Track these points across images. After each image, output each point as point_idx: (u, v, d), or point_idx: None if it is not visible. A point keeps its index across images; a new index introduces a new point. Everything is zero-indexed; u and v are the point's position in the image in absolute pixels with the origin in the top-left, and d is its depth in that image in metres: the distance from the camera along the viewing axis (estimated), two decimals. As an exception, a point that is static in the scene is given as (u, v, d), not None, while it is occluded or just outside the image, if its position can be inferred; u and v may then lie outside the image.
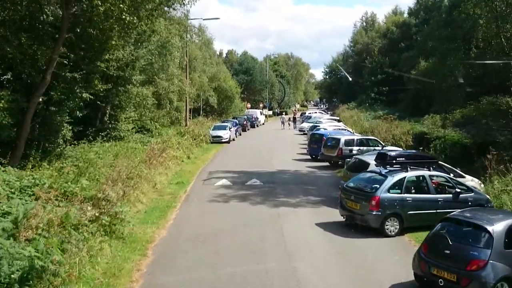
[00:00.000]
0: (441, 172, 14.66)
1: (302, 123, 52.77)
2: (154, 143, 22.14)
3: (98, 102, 23.69)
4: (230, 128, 38.85)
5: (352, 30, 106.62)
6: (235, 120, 46.53)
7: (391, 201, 12.50)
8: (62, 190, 12.84)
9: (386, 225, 12.45)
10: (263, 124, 63.43)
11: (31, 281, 7.87)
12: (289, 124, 56.55)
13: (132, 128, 25.84)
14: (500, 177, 15.62)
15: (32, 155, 16.51)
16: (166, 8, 21.38)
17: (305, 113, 67.15)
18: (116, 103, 24.61)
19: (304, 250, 11.31)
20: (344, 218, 13.45)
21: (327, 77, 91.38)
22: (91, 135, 23.31)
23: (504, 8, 19.48)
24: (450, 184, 13.59)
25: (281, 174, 22.26)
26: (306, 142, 37.05)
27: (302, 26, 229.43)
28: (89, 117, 24.68)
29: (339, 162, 23.91)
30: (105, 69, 23.42)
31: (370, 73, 65.01)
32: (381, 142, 25.29)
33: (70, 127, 20.38)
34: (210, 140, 35.72)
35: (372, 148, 24.34)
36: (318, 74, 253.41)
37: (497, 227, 8.48)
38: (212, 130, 38.25)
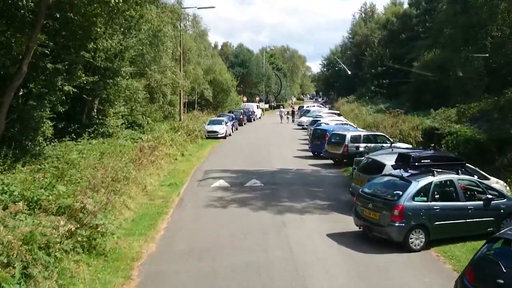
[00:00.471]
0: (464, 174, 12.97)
1: (300, 117, 51.06)
2: (145, 140, 20.31)
3: (84, 95, 21.93)
4: (226, 123, 37.06)
5: (350, 22, 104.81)
6: (231, 114, 44.69)
7: (417, 211, 10.80)
8: (34, 199, 11.10)
9: (411, 238, 10.76)
10: (259, 118, 61.63)
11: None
12: (287, 118, 54.90)
13: (122, 124, 24.01)
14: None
15: (9, 156, 14.74)
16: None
17: (303, 106, 65.35)
18: (104, 97, 22.75)
19: (318, 270, 9.58)
20: (359, 228, 11.75)
21: (325, 69, 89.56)
22: (77, 132, 21.60)
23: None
24: (480, 189, 11.91)
25: (282, 174, 20.53)
26: (306, 137, 35.42)
27: (296, 19, 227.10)
28: (74, 112, 22.89)
29: (344, 160, 22.33)
30: (91, 60, 21.67)
31: (369, 66, 63.26)
32: (389, 138, 23.61)
33: (52, 124, 18.56)
34: (205, 135, 33.94)
35: (380, 145, 22.70)
36: (314, 67, 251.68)
37: None
38: (208, 125, 36.47)
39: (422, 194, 11.04)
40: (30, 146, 16.50)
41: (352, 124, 33.15)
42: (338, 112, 47.14)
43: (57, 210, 10.95)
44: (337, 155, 22.56)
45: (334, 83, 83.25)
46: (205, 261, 10.13)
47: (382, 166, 14.05)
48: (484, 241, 7.89)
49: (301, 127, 44.98)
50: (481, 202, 11.48)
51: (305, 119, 44.91)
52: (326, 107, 68.55)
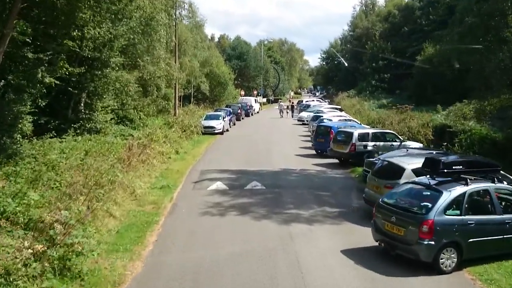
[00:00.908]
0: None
1: (300, 112, 49.41)
2: (134, 138, 18.58)
3: (69, 88, 20.24)
4: (223, 118, 35.38)
5: (351, 14, 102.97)
6: (229, 109, 43.00)
7: (449, 226, 9.21)
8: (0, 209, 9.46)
9: (441, 259, 9.17)
10: (257, 112, 59.95)
11: None
12: (287, 112, 53.30)
13: (111, 119, 22.27)
14: None
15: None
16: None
17: (302, 101, 63.65)
18: (91, 90, 21.01)
19: (336, 300, 8.00)
20: (379, 244, 10.14)
21: (324, 63, 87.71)
22: (61, 128, 19.97)
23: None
24: (517, 199, 10.34)
25: (285, 175, 18.90)
26: (308, 133, 33.85)
27: (293, 12, 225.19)
28: (59, 106, 21.20)
29: (351, 160, 20.76)
30: (77, 49, 19.98)
31: (370, 59, 61.55)
32: (399, 136, 22.00)
33: (32, 119, 16.85)
34: (201, 131, 32.27)
35: (389, 143, 21.14)
36: (311, 61, 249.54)
37: None
38: (204, 120, 34.78)
39: (454, 206, 9.45)
40: (6, 145, 14.78)
41: (356, 120, 31.50)
42: (339, 107, 45.47)
43: (26, 224, 9.34)
44: (343, 154, 20.95)
45: (334, 77, 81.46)
46: None
47: (400, 170, 12.42)
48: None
49: (301, 123, 43.36)
50: (521, 215, 9.90)
51: (305, 114, 43.30)
52: (325, 101, 66.85)
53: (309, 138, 31.19)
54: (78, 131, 20.08)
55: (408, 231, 9.32)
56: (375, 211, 10.34)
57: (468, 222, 9.33)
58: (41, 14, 16.59)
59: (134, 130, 23.88)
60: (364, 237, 10.99)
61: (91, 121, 21.13)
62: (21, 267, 7.48)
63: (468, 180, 9.74)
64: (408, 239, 9.31)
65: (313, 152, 25.13)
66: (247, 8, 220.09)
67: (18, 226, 9.22)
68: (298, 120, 44.79)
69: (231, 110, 42.95)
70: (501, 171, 12.38)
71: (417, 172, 12.16)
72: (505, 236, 9.70)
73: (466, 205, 9.43)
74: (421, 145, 22.32)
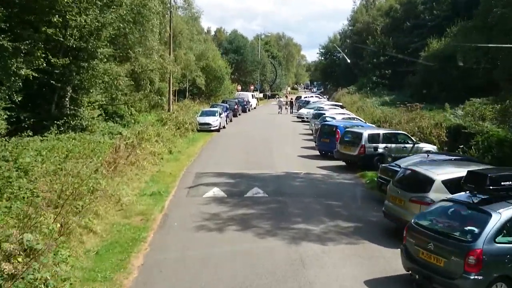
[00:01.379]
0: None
1: (299, 108, 47.69)
2: (123, 137, 16.71)
3: (52, 81, 18.42)
4: (220, 114, 33.55)
5: (351, 9, 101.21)
6: (225, 105, 41.16)
7: (500, 257, 7.51)
8: None
9: (492, 297, 7.49)
10: (254, 108, 58.21)
11: None
12: (286, 108, 51.65)
13: (99, 116, 20.42)
14: None
15: None
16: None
17: (300, 97, 61.86)
18: (76, 83, 19.14)
19: None
20: (411, 275, 8.42)
21: (322, 58, 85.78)
22: (44, 125, 18.22)
23: None
24: None
25: (289, 180, 17.16)
26: (309, 131, 32.14)
27: (289, 7, 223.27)
28: (43, 100, 19.39)
29: (359, 163, 19.07)
30: (60, 38, 18.18)
31: (371, 55, 59.72)
32: (411, 138, 20.31)
33: (7, 115, 15.05)
34: (197, 128, 30.47)
35: (401, 145, 19.48)
36: (307, 56, 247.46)
37: None
38: (200, 116, 32.97)
39: (505, 232, 7.74)
40: (-27, 146, 12.97)
41: (360, 118, 29.79)
42: (340, 104, 43.73)
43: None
44: (351, 156, 19.24)
45: (332, 73, 79.62)
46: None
47: (428, 181, 10.70)
48: None
49: (300, 120, 41.65)
50: None
51: (305, 111, 41.59)
52: (324, 98, 65.08)
53: (310, 137, 29.49)
54: (62, 128, 18.32)
55: (450, 262, 7.61)
56: (406, 234, 8.61)
57: (523, 251, 7.64)
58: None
59: (124, 128, 22.07)
60: (389, 262, 9.36)
61: (76, 118, 19.32)
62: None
63: (520, 199, 8.04)
64: (450, 272, 7.60)
65: (316, 152, 23.41)
66: (243, 3, 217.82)
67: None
68: (297, 117, 43.03)
69: (228, 106, 41.13)
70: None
71: (447, 183, 10.52)
72: None
73: (520, 231, 7.74)
74: (434, 147, 20.65)
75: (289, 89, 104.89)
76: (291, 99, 57.49)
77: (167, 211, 12.92)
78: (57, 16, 15.89)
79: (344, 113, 32.03)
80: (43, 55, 15.14)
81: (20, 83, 14.80)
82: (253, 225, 11.72)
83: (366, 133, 19.03)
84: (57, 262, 8.07)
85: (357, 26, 69.22)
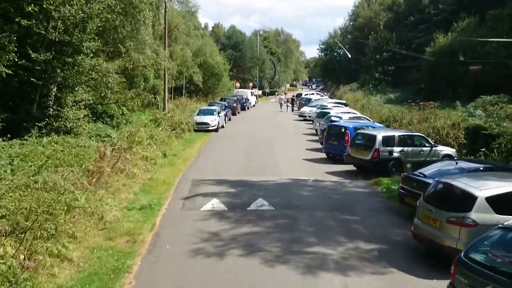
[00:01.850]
0: None
1: (301, 106, 45.89)
2: (111, 141, 14.81)
3: (33, 79, 16.61)
4: (218, 113, 31.74)
5: (352, 3, 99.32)
6: (224, 103, 39.35)
7: None
8: None
9: None
10: (253, 106, 56.39)
11: None
12: (287, 106, 49.97)
13: (85, 116, 18.57)
14: None
15: None
16: None
17: (300, 94, 60.00)
18: (59, 80, 17.29)
19: None
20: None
21: (322, 54, 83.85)
22: (24, 127, 16.49)
23: None
24: None
25: (296, 189, 15.33)
26: (313, 131, 30.36)
27: (287, 3, 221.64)
28: (24, 99, 17.58)
29: (372, 168, 17.31)
30: (42, 31, 16.41)
31: (373, 51, 57.87)
32: (429, 140, 18.54)
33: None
34: (194, 127, 28.67)
35: (418, 149, 17.71)
36: (305, 52, 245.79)
37: None
38: (197, 115, 31.18)
39: None
40: None
41: (368, 117, 28.00)
42: (344, 102, 41.91)
43: None
44: (364, 161, 17.45)
45: (333, 69, 77.75)
46: None
47: (470, 198, 8.90)
48: None
49: (302, 119, 39.85)
50: None
51: (307, 110, 39.81)
52: (325, 95, 63.25)
53: (315, 138, 27.71)
54: (44, 130, 16.53)
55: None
56: (455, 271, 6.83)
57: None
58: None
59: (114, 129, 20.29)
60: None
61: (60, 119, 17.53)
62: None
63: None
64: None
65: (323, 155, 21.63)
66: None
67: None
68: (299, 116, 41.19)
69: (227, 104, 39.32)
70: None
71: (493, 201, 8.76)
72: None
73: None
74: (453, 150, 18.90)
75: (288, 86, 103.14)
76: (293, 96, 55.73)
77: (158, 229, 11.11)
78: (32, 5, 14.01)
79: (349, 112, 30.23)
80: (15, 49, 13.26)
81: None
82: (259, 248, 9.92)
83: (380, 136, 17.24)
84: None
85: (358, 21, 67.44)
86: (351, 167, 18.72)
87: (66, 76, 17.48)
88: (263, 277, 8.55)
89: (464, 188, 9.26)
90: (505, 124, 20.25)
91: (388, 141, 17.32)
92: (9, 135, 14.55)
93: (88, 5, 17.22)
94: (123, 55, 21.14)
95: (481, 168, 12.36)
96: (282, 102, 50.61)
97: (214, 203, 13.20)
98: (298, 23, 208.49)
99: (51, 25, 16.79)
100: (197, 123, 29.57)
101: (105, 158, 13.27)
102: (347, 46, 70.40)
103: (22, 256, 7.61)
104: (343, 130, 20.38)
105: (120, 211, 11.86)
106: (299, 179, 16.71)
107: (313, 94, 60.32)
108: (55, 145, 15.06)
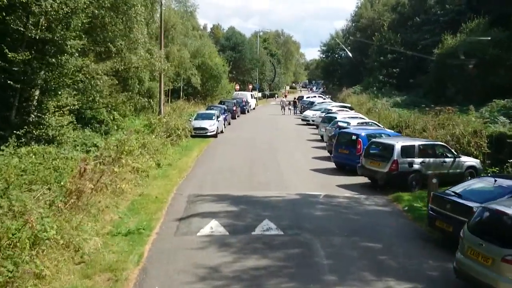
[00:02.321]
0: None
1: (303, 109, 44.09)
2: (86, 159, 12.91)
3: (9, 81, 14.82)
4: (217, 117, 29.90)
5: (355, 4, 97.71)
6: (223, 106, 37.51)
7: None
8: None
9: None
10: (253, 109, 54.57)
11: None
12: (289, 109, 48.31)
13: (69, 123, 16.70)
14: None
15: None
16: None
17: (302, 97, 58.18)
18: (40, 83, 15.47)
19: None
20: None
21: (323, 56, 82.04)
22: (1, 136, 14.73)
23: None
24: None
25: (307, 207, 13.45)
26: (317, 137, 28.58)
27: (285, 5, 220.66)
28: (1, 104, 15.76)
29: (389, 182, 15.52)
30: (21, 28, 14.68)
31: (377, 52, 56.11)
32: (452, 150, 16.73)
33: None
34: (191, 132, 26.83)
35: (440, 160, 15.91)
36: (305, 54, 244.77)
37: None
38: (195, 119, 29.37)
39: None
40: None
41: (377, 123, 26.19)
42: (349, 105, 40.09)
43: None
44: (380, 174, 15.60)
45: (335, 71, 75.96)
46: None
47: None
48: None
49: (305, 123, 38.03)
50: None
51: (310, 114, 37.96)
52: (327, 97, 61.42)
53: (320, 144, 25.91)
54: (23, 139, 14.69)
55: None
56: None
57: None
58: None
59: (103, 137, 18.45)
60: None
61: (41, 126, 15.64)
62: None
63: None
64: None
65: (331, 164, 19.82)
66: (238, 1, 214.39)
67: None
68: (302, 120, 39.34)
69: (226, 107, 37.48)
70: None
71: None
72: None
73: None
74: (477, 161, 17.13)
75: (288, 88, 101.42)
76: (294, 99, 54.00)
77: (146, 262, 9.24)
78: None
79: (356, 117, 28.39)
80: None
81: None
82: (269, 290, 8.09)
83: (398, 145, 15.40)
84: None
85: (361, 22, 65.70)
86: (364, 179, 16.92)
87: (48, 79, 15.67)
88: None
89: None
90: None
91: (407, 151, 15.50)
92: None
93: (73, -1, 15.43)
94: (114, 55, 19.29)
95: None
96: (284, 105, 48.88)
97: (213, 226, 11.36)
98: (297, 25, 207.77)
99: (30, 21, 15.02)
100: (195, 128, 27.75)
101: (86, 175, 11.40)
102: (349, 47, 68.72)
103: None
104: (354, 138, 18.58)
105: (102, 238, 10.04)
106: (309, 194, 14.86)
107: (314, 97, 58.48)
108: (33, 156, 13.28)
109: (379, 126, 24.75)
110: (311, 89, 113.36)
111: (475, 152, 18.19)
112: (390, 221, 12.42)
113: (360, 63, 61.96)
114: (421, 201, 13.93)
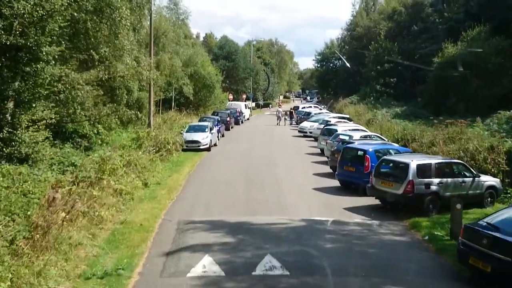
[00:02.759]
0: None
1: (300, 120, 42.56)
2: (56, 186, 11.11)
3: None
4: (211, 129, 28.19)
5: (350, 12, 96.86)
6: (217, 117, 35.82)
7: None
8: None
9: None
10: (248, 119, 52.91)
11: None
12: (285, 119, 46.82)
13: (46, 139, 14.90)
14: None
15: None
16: None
17: (298, 107, 56.61)
18: (11, 94, 13.72)
19: None
20: None
21: (318, 65, 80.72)
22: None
23: None
24: None
25: (314, 237, 11.69)
26: (317, 150, 27.00)
27: (277, 15, 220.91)
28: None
29: (404, 206, 13.92)
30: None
31: (374, 62, 54.81)
32: (471, 169, 15.15)
33: None
34: (183, 145, 25.08)
35: (459, 179, 14.32)
36: (299, 63, 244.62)
37: None
38: (187, 132, 27.65)
39: None
40: None
41: (381, 136, 24.63)
42: (348, 116, 38.55)
43: None
44: (394, 196, 13.96)
45: (330, 81, 74.60)
46: None
47: None
48: None
49: (302, 135, 36.41)
50: None
51: (308, 125, 36.36)
52: (322, 107, 59.95)
53: (320, 159, 24.32)
54: (-7, 158, 12.94)
55: None
56: None
57: None
58: None
59: (84, 153, 16.66)
60: None
61: (13, 143, 13.85)
62: None
63: None
64: None
65: (334, 182, 18.17)
66: (230, 10, 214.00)
67: None
68: (299, 131, 37.69)
69: (219, 118, 35.80)
70: None
71: None
72: None
73: None
74: (497, 180, 15.58)
75: (281, 97, 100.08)
76: (291, 109, 52.47)
77: (124, 318, 7.52)
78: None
79: (358, 129, 26.83)
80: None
81: None
82: None
83: (414, 164, 13.79)
84: None
85: (357, 30, 64.43)
86: (373, 200, 15.27)
87: (21, 89, 13.94)
88: None
89: None
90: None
91: (423, 170, 13.89)
92: None
93: (49, 0, 13.75)
94: (98, 63, 17.57)
95: None
96: (280, 115, 47.37)
97: (206, 264, 9.62)
98: (289, 34, 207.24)
99: (0, 26, 13.31)
100: (187, 141, 26.02)
101: (56, 203, 9.64)
102: (344, 56, 67.47)
103: None
104: (361, 153, 16.96)
105: (72, 282, 8.30)
106: (315, 220, 13.17)
107: (310, 107, 56.96)
108: (1, 178, 11.54)
109: (384, 140, 23.19)
110: (305, 99, 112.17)
111: (492, 170, 16.64)
112: (412, 254, 10.74)
113: (356, 72, 60.68)
114: (441, 228, 12.32)
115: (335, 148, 20.62)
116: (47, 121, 15.06)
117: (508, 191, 15.91)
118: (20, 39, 13.38)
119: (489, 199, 15.06)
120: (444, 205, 13.68)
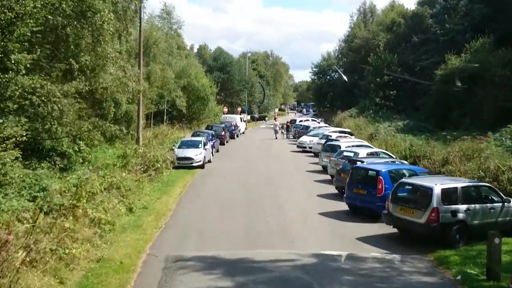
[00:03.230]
0: None
1: (298, 135, 40.78)
2: (9, 225, 9.14)
3: None
4: (204, 145, 26.33)
5: (348, 24, 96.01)
6: (211, 131, 34.00)
7: None
8: None
9: None
10: (243, 133, 51.11)
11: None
12: (282, 133, 45.21)
13: (15, 159, 12.95)
14: None
15: None
16: None
17: (295, 120, 54.86)
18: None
19: None
20: None
21: (315, 78, 79.27)
22: None
23: None
24: None
25: (327, 279, 9.77)
26: (317, 166, 25.22)
27: (271, 28, 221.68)
28: None
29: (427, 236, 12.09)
30: None
31: (373, 74, 53.29)
32: (499, 192, 13.38)
33: None
34: (174, 163, 23.19)
35: (488, 206, 12.55)
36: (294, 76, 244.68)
37: None
38: (178, 147, 25.80)
39: None
40: None
41: (388, 153, 22.85)
42: (349, 131, 36.79)
43: None
44: (415, 225, 12.12)
45: (327, 94, 73.06)
46: None
47: None
48: None
49: (301, 150, 34.61)
50: None
51: (307, 140, 34.56)
52: (320, 121, 58.25)
53: (323, 176, 22.55)
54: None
55: None
56: None
57: None
58: None
59: (61, 174, 14.72)
60: None
61: (-26, 164, 11.94)
62: None
63: None
64: None
65: (341, 204, 16.34)
66: (225, 23, 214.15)
67: None
68: (298, 146, 35.87)
69: (214, 133, 33.96)
70: None
71: None
72: None
73: None
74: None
75: (277, 110, 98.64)
76: (287, 122, 50.88)
77: None
78: None
79: (362, 145, 25.05)
80: None
81: None
82: None
83: (438, 188, 11.99)
84: None
85: (355, 42, 63.05)
86: (387, 228, 13.44)
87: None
88: None
89: None
90: None
91: (449, 196, 12.10)
92: None
93: (20, 1, 11.97)
94: (77, 73, 15.72)
95: None
96: (277, 129, 45.72)
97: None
98: (283, 47, 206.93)
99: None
100: (179, 158, 24.14)
101: (7, 248, 7.71)
102: (341, 69, 66.09)
103: None
104: (373, 174, 15.15)
105: None
106: (326, 255, 11.29)
107: (307, 120, 55.25)
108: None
109: (392, 157, 21.41)
110: (301, 111, 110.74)
111: (519, 192, 14.90)
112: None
113: (354, 85, 59.19)
114: (474, 265, 10.50)
115: (341, 167, 18.84)
116: (18, 138, 13.13)
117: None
118: (-16, 45, 11.60)
119: (517, 227, 13.29)
120: (472, 235, 11.99)
